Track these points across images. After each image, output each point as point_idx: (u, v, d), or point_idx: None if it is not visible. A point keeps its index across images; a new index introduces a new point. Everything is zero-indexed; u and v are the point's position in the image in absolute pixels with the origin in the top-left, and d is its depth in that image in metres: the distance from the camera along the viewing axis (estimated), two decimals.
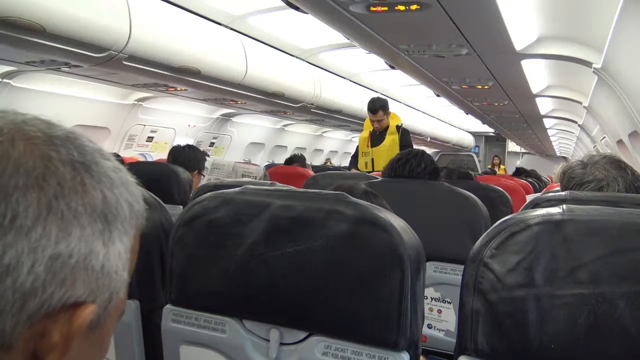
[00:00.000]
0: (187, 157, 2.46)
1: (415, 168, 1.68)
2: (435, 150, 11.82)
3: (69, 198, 0.35)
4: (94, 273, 0.36)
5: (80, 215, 0.35)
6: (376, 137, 3.74)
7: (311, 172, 3.23)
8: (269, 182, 1.42)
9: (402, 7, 2.25)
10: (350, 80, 5.68)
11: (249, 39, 3.92)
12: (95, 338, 0.39)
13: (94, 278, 0.36)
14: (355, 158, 3.96)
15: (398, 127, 3.68)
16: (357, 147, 3.95)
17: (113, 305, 0.39)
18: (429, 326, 1.61)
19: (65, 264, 0.34)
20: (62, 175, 0.35)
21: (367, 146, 3.78)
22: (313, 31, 4.06)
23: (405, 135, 3.69)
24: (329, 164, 8.76)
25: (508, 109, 5.41)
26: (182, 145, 2.61)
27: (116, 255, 0.38)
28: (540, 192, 3.33)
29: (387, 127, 3.69)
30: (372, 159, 3.72)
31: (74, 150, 0.37)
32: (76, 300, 0.35)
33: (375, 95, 4.91)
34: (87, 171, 0.37)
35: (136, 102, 4.97)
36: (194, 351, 0.92)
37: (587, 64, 2.96)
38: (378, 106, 3.64)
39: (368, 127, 3.81)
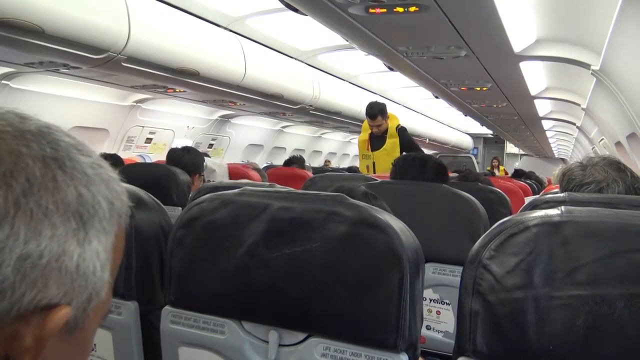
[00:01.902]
0: (188, 161, 2.42)
1: (421, 170, 1.68)
2: (434, 152, 11.83)
3: (39, 196, 0.33)
4: (68, 274, 0.35)
5: (51, 213, 0.34)
6: (376, 140, 3.73)
7: (310, 174, 3.23)
8: (268, 183, 1.42)
9: (400, 9, 2.25)
10: (349, 82, 5.68)
11: (248, 40, 3.92)
12: (74, 340, 0.37)
13: (68, 279, 0.35)
14: None
15: (397, 129, 3.68)
16: None
17: (93, 306, 0.38)
18: (428, 327, 1.61)
19: (35, 264, 0.33)
20: (32, 171, 0.33)
21: (367, 149, 3.77)
22: (312, 33, 4.07)
23: (403, 135, 3.68)
24: (327, 165, 8.78)
25: (506, 110, 5.42)
26: (179, 148, 2.56)
27: (94, 255, 0.36)
28: (538, 193, 3.34)
29: (387, 129, 3.68)
30: (374, 163, 3.71)
31: (47, 146, 0.35)
32: (49, 302, 0.34)
33: (374, 97, 4.89)
34: (59, 167, 0.35)
35: (135, 104, 4.97)
36: (192, 353, 0.92)
37: (586, 65, 2.97)
38: (376, 111, 3.61)
39: (367, 130, 3.79)
